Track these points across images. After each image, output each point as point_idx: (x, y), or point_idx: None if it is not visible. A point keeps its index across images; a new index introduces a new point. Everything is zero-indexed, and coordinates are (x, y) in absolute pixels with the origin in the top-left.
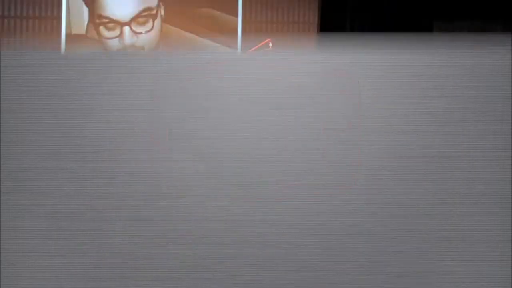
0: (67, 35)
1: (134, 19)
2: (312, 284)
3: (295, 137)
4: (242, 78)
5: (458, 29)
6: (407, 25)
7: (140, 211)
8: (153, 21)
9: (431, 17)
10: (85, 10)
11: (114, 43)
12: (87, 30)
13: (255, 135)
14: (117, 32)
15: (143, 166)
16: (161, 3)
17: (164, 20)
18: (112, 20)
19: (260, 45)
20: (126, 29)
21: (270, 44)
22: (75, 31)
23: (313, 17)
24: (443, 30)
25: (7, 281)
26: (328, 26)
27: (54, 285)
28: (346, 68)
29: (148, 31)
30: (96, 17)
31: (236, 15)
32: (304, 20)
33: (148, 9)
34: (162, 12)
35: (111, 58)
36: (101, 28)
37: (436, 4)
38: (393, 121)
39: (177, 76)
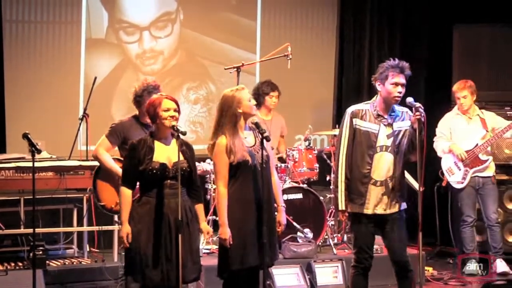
0: (86, 39)
1: (153, 23)
2: None
3: None
4: None
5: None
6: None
7: None
8: (172, 26)
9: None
10: (105, 15)
11: (133, 48)
12: (106, 35)
13: None
14: (136, 36)
15: None
16: (180, 8)
17: (183, 25)
18: (131, 25)
19: (279, 49)
20: (145, 33)
21: (289, 49)
22: (94, 35)
23: (333, 22)
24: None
25: None
26: (348, 30)
27: None
28: None
29: (167, 35)
30: (116, 22)
31: (255, 20)
32: (323, 25)
33: (167, 13)
34: (182, 16)
35: None
36: (121, 32)
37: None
38: None
39: None
